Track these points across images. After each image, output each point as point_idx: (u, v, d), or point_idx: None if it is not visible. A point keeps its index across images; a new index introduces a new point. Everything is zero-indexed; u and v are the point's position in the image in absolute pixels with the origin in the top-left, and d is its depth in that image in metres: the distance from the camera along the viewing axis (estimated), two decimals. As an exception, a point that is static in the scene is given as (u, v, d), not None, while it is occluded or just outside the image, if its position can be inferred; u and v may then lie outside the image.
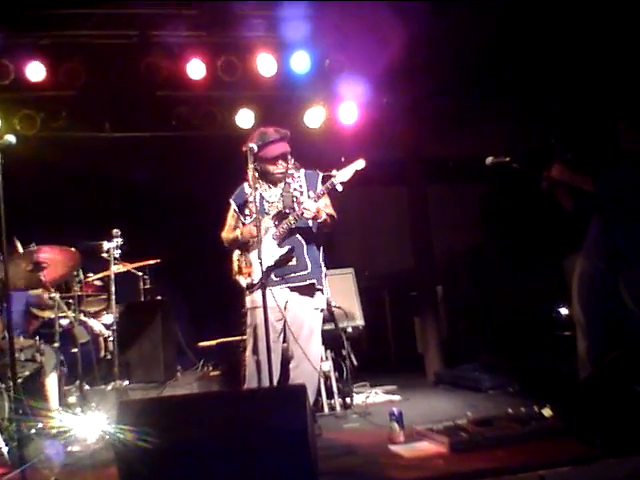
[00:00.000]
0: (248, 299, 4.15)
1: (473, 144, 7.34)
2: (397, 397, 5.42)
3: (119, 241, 4.87)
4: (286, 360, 4.11)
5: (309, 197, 4.11)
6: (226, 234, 4.30)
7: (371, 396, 5.42)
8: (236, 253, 4.24)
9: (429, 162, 7.05)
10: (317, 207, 3.98)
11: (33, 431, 4.32)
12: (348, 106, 6.52)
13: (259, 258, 3.72)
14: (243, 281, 4.16)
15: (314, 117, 6.54)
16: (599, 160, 4.25)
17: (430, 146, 7.06)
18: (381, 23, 5.84)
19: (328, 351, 5.26)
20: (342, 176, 3.98)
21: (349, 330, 5.32)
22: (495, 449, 3.40)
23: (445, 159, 8.19)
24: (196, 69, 5.93)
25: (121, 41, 5.90)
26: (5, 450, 3.88)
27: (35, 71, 5.68)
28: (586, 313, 4.07)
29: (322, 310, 4.24)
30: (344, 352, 5.18)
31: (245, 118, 6.33)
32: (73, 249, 4.38)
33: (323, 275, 4.19)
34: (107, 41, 5.90)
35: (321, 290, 4.16)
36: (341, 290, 5.49)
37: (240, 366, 4.27)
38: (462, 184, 8.20)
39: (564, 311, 5.86)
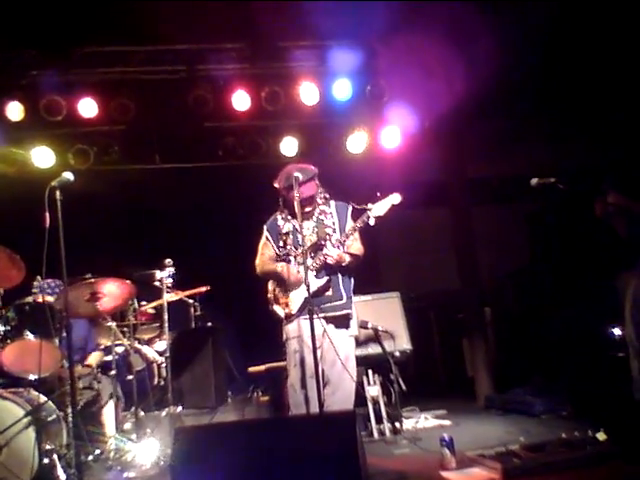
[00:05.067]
0: (287, 328, 4.18)
1: (518, 163, 7.32)
2: (447, 422, 5.37)
3: (171, 270, 5.00)
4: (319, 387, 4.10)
5: (341, 233, 4.18)
6: (262, 264, 4.32)
7: (421, 421, 5.38)
8: (271, 283, 4.29)
9: (473, 183, 7.05)
10: (339, 254, 4.06)
11: (90, 457, 4.46)
12: (390, 130, 6.58)
13: (306, 286, 3.79)
14: (280, 311, 4.19)
15: (356, 143, 6.61)
16: None
17: (474, 167, 7.05)
18: (422, 47, 5.90)
19: (376, 375, 5.28)
20: (377, 210, 4.06)
21: (396, 354, 5.31)
22: (549, 475, 3.37)
23: (489, 179, 8.16)
24: (241, 100, 6.08)
25: (168, 76, 6.11)
26: (63, 477, 4.00)
27: (87, 107, 5.89)
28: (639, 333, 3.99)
29: (356, 337, 4.31)
30: (392, 376, 5.18)
31: (289, 146, 6.45)
32: (129, 281, 4.51)
33: (353, 305, 4.25)
34: (155, 77, 6.10)
35: (352, 319, 4.23)
36: (387, 314, 5.51)
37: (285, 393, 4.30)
38: (508, 204, 8.14)
39: (617, 332, 5.73)
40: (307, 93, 6.16)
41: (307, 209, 4.17)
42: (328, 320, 4.08)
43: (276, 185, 4.23)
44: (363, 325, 5.13)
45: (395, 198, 4.11)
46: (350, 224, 4.22)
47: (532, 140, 7.55)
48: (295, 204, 3.94)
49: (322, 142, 6.60)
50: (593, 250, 6.34)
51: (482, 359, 6.41)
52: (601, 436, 3.71)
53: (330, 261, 4.06)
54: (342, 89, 6.23)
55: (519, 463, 3.51)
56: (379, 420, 5.07)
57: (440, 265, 7.46)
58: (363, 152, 6.68)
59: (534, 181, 4.24)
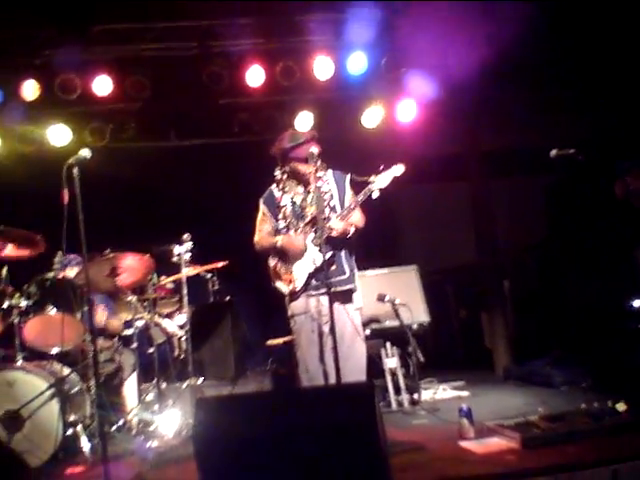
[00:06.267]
0: (293, 305, 4.08)
1: (536, 135, 7.22)
2: (465, 393, 5.39)
3: (189, 245, 5.03)
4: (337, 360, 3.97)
5: (340, 203, 4.10)
6: (260, 240, 4.20)
7: (439, 392, 5.42)
8: (272, 259, 4.17)
9: (490, 155, 6.98)
10: (343, 226, 3.96)
11: (114, 428, 4.55)
12: (406, 104, 6.52)
13: (324, 261, 3.76)
14: (284, 287, 4.08)
15: (371, 117, 6.57)
16: None
17: (491, 139, 6.98)
18: (439, 17, 5.82)
19: (394, 348, 5.29)
20: (380, 182, 3.94)
21: (414, 327, 5.32)
22: (568, 445, 3.36)
23: (507, 151, 8.09)
24: (256, 76, 6.05)
25: (183, 53, 6.09)
26: (87, 448, 4.09)
27: (102, 85, 5.90)
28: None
29: (361, 309, 4.20)
30: (410, 349, 5.20)
31: (304, 121, 6.41)
32: (148, 256, 4.53)
33: (357, 278, 4.15)
34: (169, 53, 6.09)
35: (356, 292, 4.12)
36: (405, 287, 5.51)
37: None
38: (526, 176, 8.06)
39: (637, 303, 5.68)
40: (322, 67, 6.11)
41: (309, 170, 3.99)
42: (332, 295, 3.87)
43: (276, 149, 4.15)
44: (380, 298, 5.13)
45: (398, 169, 3.99)
46: (349, 194, 4.12)
47: (551, 111, 7.45)
48: (311, 177, 3.92)
49: (337, 116, 6.55)
50: (612, 222, 6.27)
51: (501, 332, 6.42)
52: (621, 407, 3.70)
53: (335, 234, 3.95)
54: (357, 62, 6.17)
55: (538, 433, 3.51)
56: (397, 391, 5.09)
57: (458, 239, 7.42)
58: (378, 126, 6.63)
59: (553, 152, 4.18)
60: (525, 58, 6.25)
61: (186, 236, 5.03)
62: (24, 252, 4.50)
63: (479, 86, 6.34)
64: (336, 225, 3.96)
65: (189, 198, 7.00)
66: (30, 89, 5.81)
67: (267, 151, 4.34)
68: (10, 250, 4.46)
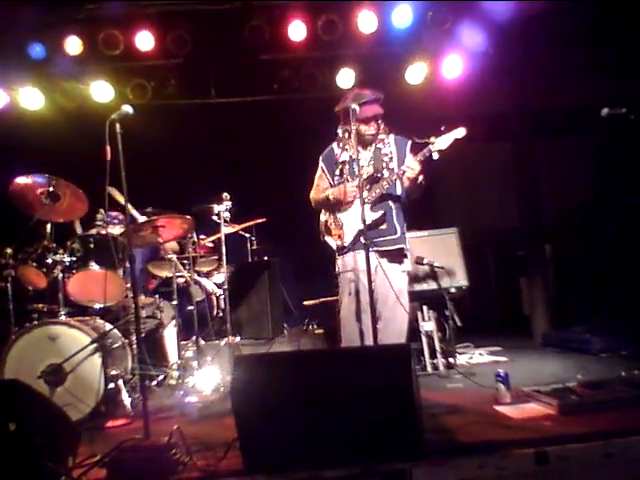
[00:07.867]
0: (339, 262, 4.17)
1: (584, 94, 6.96)
2: (502, 358, 5.35)
3: (228, 204, 5.05)
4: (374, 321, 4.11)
5: (399, 163, 4.08)
6: (315, 195, 4.32)
7: (475, 357, 5.38)
8: (323, 214, 4.26)
9: (538, 114, 6.76)
10: (420, 168, 3.94)
11: (154, 383, 4.67)
12: (451, 60, 6.32)
13: (362, 221, 3.76)
14: (333, 243, 4.18)
15: (415, 73, 6.39)
16: None
17: (538, 98, 6.75)
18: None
19: (431, 311, 5.26)
20: (440, 144, 3.91)
21: (452, 290, 5.27)
22: (606, 412, 3.31)
23: (555, 111, 7.82)
24: (297, 30, 5.92)
25: (224, 7, 5.99)
26: (128, 401, 4.22)
27: (144, 40, 5.86)
28: None
29: (408, 272, 4.23)
30: (447, 312, 5.17)
31: (345, 78, 6.28)
32: (188, 216, 4.56)
33: (407, 240, 4.18)
34: (211, 7, 5.99)
35: (406, 254, 4.16)
36: (444, 250, 5.43)
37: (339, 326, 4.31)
38: (574, 136, 7.81)
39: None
40: (365, 21, 5.93)
41: (370, 131, 4.09)
42: (381, 255, 4.03)
43: (340, 107, 4.15)
44: (419, 261, 5.10)
45: (459, 132, 3.96)
46: (409, 158, 4.11)
47: (602, 70, 7.15)
48: (352, 133, 3.87)
49: (380, 72, 6.37)
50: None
51: (540, 297, 6.31)
52: (661, 376, 3.63)
53: (410, 174, 3.93)
54: (402, 16, 5.96)
55: (576, 400, 3.47)
56: (433, 355, 5.08)
57: (500, 201, 7.29)
58: (422, 83, 6.46)
59: (604, 111, 4.03)
60: (577, 15, 5.98)
61: (225, 195, 5.04)
62: (72, 210, 4.57)
63: (528, 42, 6.10)
64: (413, 165, 3.92)
65: (229, 156, 6.99)
66: (73, 44, 5.82)
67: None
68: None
